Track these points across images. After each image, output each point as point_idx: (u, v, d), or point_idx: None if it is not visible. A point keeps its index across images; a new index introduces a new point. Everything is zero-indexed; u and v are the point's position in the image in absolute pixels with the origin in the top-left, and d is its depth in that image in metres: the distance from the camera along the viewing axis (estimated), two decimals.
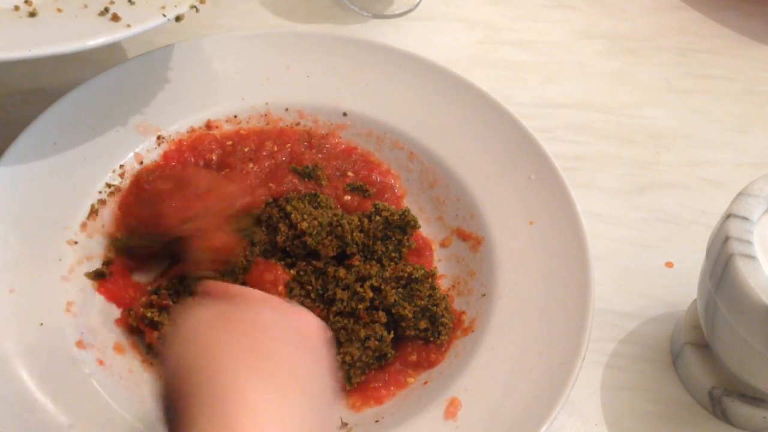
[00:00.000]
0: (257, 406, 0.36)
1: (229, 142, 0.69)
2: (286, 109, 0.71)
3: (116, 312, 0.60)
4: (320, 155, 0.69)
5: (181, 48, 0.71)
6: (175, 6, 0.57)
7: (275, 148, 0.68)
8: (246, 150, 0.68)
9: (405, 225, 0.63)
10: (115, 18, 0.56)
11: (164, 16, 0.56)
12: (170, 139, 0.68)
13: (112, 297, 0.61)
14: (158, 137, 0.68)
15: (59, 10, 0.56)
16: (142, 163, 0.67)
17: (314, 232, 0.61)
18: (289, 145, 0.69)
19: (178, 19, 0.57)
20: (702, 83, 0.84)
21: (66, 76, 0.76)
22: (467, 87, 0.70)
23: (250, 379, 0.37)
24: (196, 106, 0.69)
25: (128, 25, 0.55)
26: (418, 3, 0.88)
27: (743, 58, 0.87)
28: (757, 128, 0.81)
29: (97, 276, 0.61)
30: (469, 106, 0.70)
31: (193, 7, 0.58)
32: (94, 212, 0.63)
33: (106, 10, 0.56)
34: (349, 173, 0.69)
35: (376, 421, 0.57)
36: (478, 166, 0.67)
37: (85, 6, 0.57)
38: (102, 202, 0.64)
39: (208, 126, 0.69)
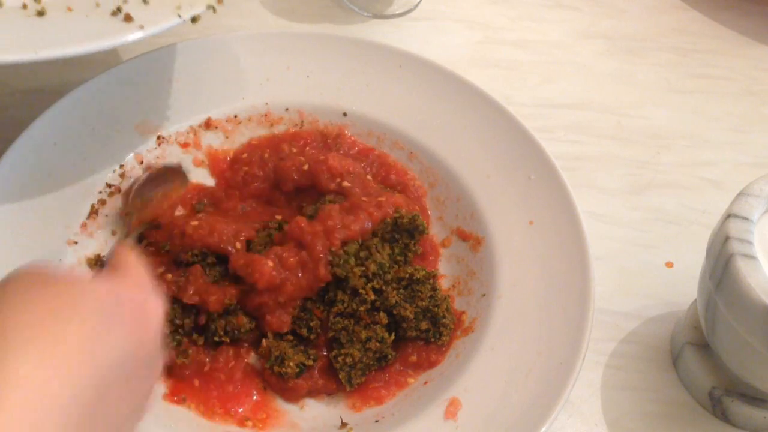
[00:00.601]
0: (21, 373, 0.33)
1: (244, 155, 0.69)
2: (286, 109, 0.71)
3: None
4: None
5: (182, 48, 0.71)
6: (191, 6, 0.54)
7: (294, 150, 0.68)
8: (266, 156, 0.68)
9: (413, 229, 0.62)
10: (128, 18, 0.53)
11: (179, 16, 0.53)
12: (171, 139, 0.68)
13: None
14: (158, 137, 0.68)
15: (69, 9, 0.53)
16: (142, 163, 0.66)
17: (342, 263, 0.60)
18: (307, 147, 0.69)
19: (194, 20, 0.54)
20: (702, 83, 0.84)
21: (66, 76, 0.76)
22: (467, 87, 0.70)
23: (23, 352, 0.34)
24: (196, 106, 0.69)
25: (141, 26, 0.52)
26: (418, 3, 0.88)
27: (743, 58, 0.87)
28: (757, 128, 0.81)
29: (97, 263, 0.61)
30: (469, 106, 0.70)
31: (210, 7, 0.55)
32: (94, 212, 0.63)
33: (119, 9, 0.53)
34: (368, 177, 0.68)
35: (376, 421, 0.57)
36: (478, 166, 0.67)
37: (97, 5, 0.54)
38: (102, 202, 0.64)
39: (208, 125, 0.69)
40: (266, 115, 0.70)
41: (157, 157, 0.67)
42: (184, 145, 0.69)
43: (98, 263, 0.62)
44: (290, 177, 0.66)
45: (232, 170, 0.69)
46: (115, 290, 0.40)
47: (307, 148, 0.69)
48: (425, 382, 0.59)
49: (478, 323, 0.60)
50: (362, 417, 0.57)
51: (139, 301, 0.41)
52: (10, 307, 0.36)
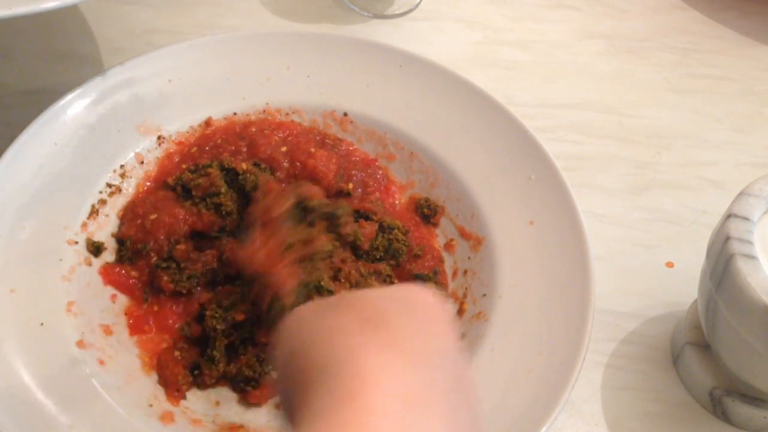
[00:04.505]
0: (377, 372, 0.32)
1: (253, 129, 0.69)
2: (287, 113, 0.71)
3: (117, 311, 0.60)
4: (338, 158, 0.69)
5: (182, 48, 0.71)
6: None
7: (284, 149, 0.68)
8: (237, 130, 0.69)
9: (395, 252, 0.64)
10: None
11: None
12: (171, 139, 0.68)
13: (110, 280, 0.61)
14: (158, 137, 0.68)
15: None
16: (142, 163, 0.66)
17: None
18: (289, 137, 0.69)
19: None
20: (702, 83, 0.84)
21: (66, 76, 0.77)
22: (467, 87, 0.70)
23: (368, 347, 0.33)
24: (197, 106, 0.69)
25: None
26: (419, 3, 0.88)
27: (743, 58, 0.87)
28: (757, 128, 0.81)
29: (97, 250, 0.62)
30: (469, 106, 0.70)
31: None
32: (94, 212, 0.63)
33: None
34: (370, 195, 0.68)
35: None
36: (479, 166, 0.67)
37: None
38: (102, 202, 0.64)
39: (208, 124, 0.69)
40: (265, 112, 0.71)
41: (158, 157, 0.67)
42: (182, 144, 0.69)
43: (96, 249, 0.62)
44: (264, 152, 0.66)
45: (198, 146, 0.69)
46: (391, 295, 0.37)
47: (283, 136, 0.69)
48: None
49: (479, 323, 0.60)
50: None
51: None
52: (326, 328, 0.35)
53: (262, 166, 0.66)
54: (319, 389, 0.32)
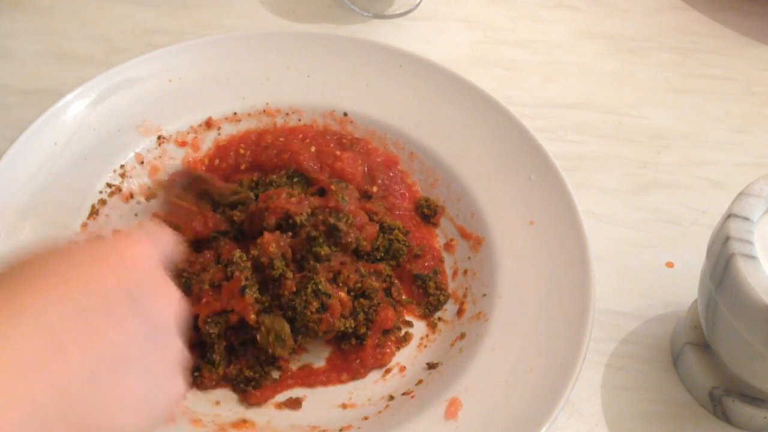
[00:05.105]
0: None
1: (281, 139, 0.69)
2: (287, 113, 0.71)
3: None
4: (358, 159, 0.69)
5: (182, 48, 0.71)
6: None
7: (313, 149, 0.68)
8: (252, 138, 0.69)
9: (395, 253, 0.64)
10: None
11: None
12: (172, 139, 0.68)
13: None
14: (159, 137, 0.68)
15: None
16: (142, 163, 0.66)
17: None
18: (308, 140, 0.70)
19: None
20: (702, 83, 0.84)
21: (66, 76, 0.77)
22: (467, 87, 0.70)
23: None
24: (197, 105, 0.69)
25: None
26: (419, 3, 0.88)
27: (743, 58, 0.87)
28: (757, 128, 0.81)
29: None
30: (469, 106, 0.70)
31: None
32: (94, 212, 0.63)
33: None
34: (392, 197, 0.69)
35: (376, 417, 0.57)
36: (479, 166, 0.67)
37: None
38: (102, 202, 0.64)
39: (209, 125, 0.69)
40: (265, 113, 0.71)
41: (159, 157, 0.67)
42: (183, 144, 0.69)
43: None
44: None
45: (219, 156, 0.69)
46: (126, 279, 0.37)
47: (308, 140, 0.69)
48: (419, 381, 0.59)
49: (479, 323, 0.60)
50: (362, 414, 0.57)
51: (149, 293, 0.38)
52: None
53: (295, 179, 0.66)
54: None
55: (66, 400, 0.32)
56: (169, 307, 0.39)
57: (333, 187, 0.63)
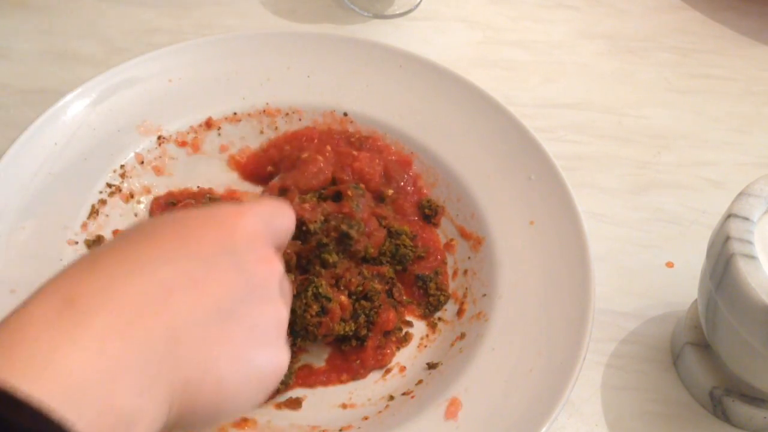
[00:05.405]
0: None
1: (287, 147, 0.70)
2: (287, 113, 0.71)
3: None
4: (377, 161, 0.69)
5: (182, 48, 0.71)
6: None
7: (329, 149, 0.68)
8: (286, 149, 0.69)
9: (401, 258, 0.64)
10: None
11: None
12: (172, 139, 0.68)
13: None
14: (159, 137, 0.68)
15: None
16: (142, 163, 0.66)
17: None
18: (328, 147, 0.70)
19: None
20: (702, 83, 0.84)
21: (66, 76, 0.77)
22: (467, 87, 0.70)
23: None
24: (197, 105, 0.69)
25: None
26: (419, 3, 0.88)
27: (743, 58, 0.87)
28: (757, 128, 0.81)
29: (96, 245, 0.62)
30: (469, 106, 0.70)
31: None
32: (94, 212, 0.63)
33: None
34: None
35: (377, 417, 0.57)
36: (479, 166, 0.67)
37: None
38: (102, 202, 0.64)
39: (209, 125, 0.69)
40: (265, 113, 0.71)
41: (159, 157, 0.67)
42: (183, 144, 0.69)
43: (98, 245, 0.62)
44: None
45: (255, 166, 0.70)
46: (230, 245, 0.38)
47: (328, 147, 0.69)
48: (419, 381, 0.59)
49: (479, 323, 0.60)
50: (362, 413, 0.57)
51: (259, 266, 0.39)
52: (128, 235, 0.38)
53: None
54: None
55: (174, 344, 0.34)
56: (272, 274, 0.40)
57: (350, 193, 0.63)
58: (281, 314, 0.40)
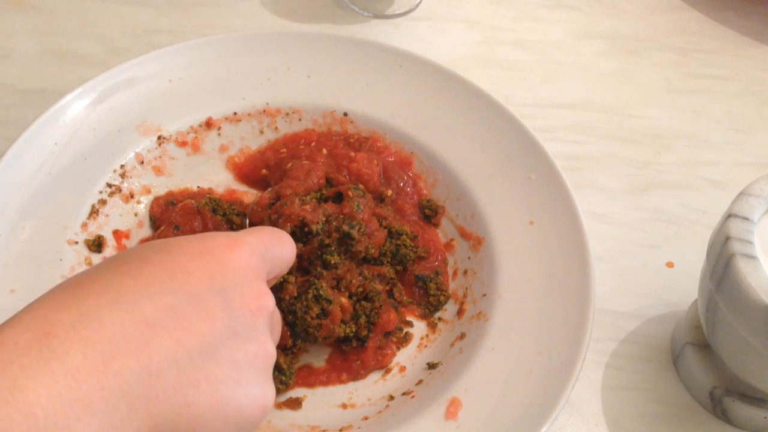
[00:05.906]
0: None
1: (283, 150, 0.70)
2: (287, 113, 0.71)
3: None
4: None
5: (182, 48, 0.71)
6: None
7: (324, 151, 0.68)
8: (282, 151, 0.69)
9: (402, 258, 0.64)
10: None
11: None
12: (172, 139, 0.68)
13: None
14: (159, 137, 0.68)
15: None
16: (142, 163, 0.67)
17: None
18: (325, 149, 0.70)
19: None
20: (702, 83, 0.84)
21: (66, 76, 0.77)
22: (467, 87, 0.70)
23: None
24: (197, 105, 0.69)
25: None
26: (419, 3, 0.88)
27: (743, 58, 0.87)
28: (757, 128, 0.81)
29: (98, 246, 0.62)
30: (469, 106, 0.70)
31: None
32: (94, 212, 0.63)
33: None
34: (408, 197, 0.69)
35: (375, 417, 0.57)
36: (479, 166, 0.67)
37: None
38: (102, 202, 0.64)
39: (209, 125, 0.69)
40: (265, 112, 0.71)
41: (159, 157, 0.67)
42: (183, 144, 0.69)
43: (97, 244, 0.62)
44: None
45: (250, 169, 0.70)
46: (220, 281, 0.38)
47: (325, 150, 0.69)
48: (419, 381, 0.59)
49: (479, 323, 0.60)
50: (362, 413, 0.57)
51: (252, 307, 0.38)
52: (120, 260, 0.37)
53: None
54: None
55: (150, 383, 0.33)
56: (260, 311, 0.39)
57: (351, 194, 0.63)
58: (267, 352, 0.39)
